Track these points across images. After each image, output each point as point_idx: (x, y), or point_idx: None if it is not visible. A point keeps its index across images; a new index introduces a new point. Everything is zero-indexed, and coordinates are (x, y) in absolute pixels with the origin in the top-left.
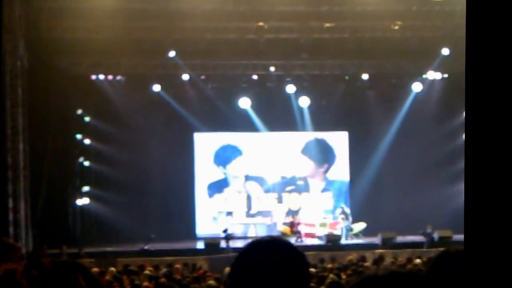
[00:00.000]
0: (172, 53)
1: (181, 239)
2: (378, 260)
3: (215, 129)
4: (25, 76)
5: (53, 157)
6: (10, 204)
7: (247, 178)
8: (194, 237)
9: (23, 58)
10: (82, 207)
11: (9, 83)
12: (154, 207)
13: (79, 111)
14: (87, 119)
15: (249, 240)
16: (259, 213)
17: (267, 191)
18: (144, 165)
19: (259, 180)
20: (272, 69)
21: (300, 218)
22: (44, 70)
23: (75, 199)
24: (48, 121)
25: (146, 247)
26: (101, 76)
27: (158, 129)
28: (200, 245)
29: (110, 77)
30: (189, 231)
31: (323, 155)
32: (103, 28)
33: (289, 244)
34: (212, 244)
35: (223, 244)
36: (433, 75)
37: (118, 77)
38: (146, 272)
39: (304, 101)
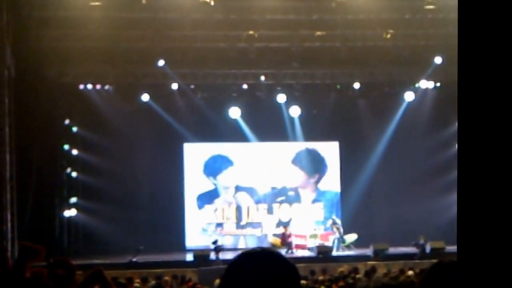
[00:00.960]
0: (161, 62)
1: (170, 251)
2: (370, 271)
3: (205, 139)
4: (12, 85)
5: (40, 167)
6: None
7: (237, 188)
8: (183, 249)
9: (10, 67)
10: (70, 218)
11: None
12: (143, 218)
13: (67, 121)
14: (74, 129)
15: (239, 252)
16: (249, 224)
17: (257, 202)
18: (132, 175)
19: (250, 190)
20: (262, 78)
21: (291, 229)
22: (31, 79)
23: (63, 210)
24: (35, 131)
25: (134, 259)
26: (89, 86)
27: (147, 139)
28: (190, 257)
29: (98, 86)
30: (178, 242)
31: (314, 165)
32: (91, 37)
33: (280, 256)
34: (201, 256)
35: (212, 256)
36: (425, 84)
37: (106, 87)
38: (135, 284)
39: (295, 111)
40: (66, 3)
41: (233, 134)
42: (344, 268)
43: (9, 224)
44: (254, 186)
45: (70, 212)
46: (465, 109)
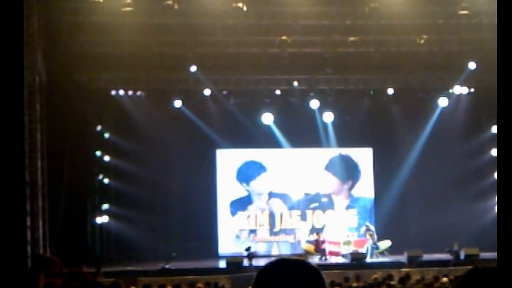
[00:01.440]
0: (193, 68)
1: (202, 258)
2: (404, 278)
3: (238, 145)
4: (44, 92)
5: (71, 174)
6: (28, 222)
7: (271, 195)
8: (216, 256)
9: (42, 73)
10: (102, 225)
11: (27, 98)
12: (175, 225)
13: (99, 127)
14: (106, 135)
15: (272, 259)
16: (283, 231)
17: (290, 208)
18: (165, 182)
19: (283, 197)
20: (295, 84)
21: (324, 236)
22: (63, 85)
23: (95, 217)
24: (67, 138)
25: (167, 266)
26: (121, 91)
27: (180, 145)
28: (222, 263)
29: (130, 92)
30: (211, 249)
31: (348, 171)
32: (123, 42)
33: (309, 265)
34: (234, 262)
35: (246, 262)
36: (459, 89)
37: (139, 92)
38: None
39: (328, 117)
40: (97, 9)
41: (266, 140)
42: (378, 274)
43: (41, 231)
44: (287, 193)
45: (102, 219)
46: (505, 113)
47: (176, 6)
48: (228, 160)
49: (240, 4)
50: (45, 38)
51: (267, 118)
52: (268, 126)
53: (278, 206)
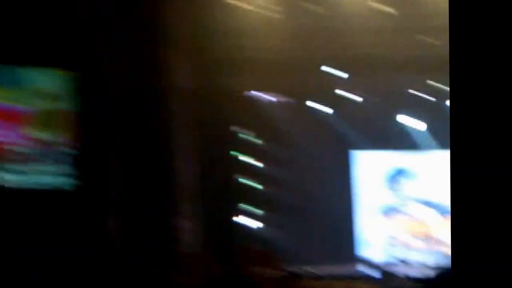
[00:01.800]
0: (331, 70)
1: (347, 264)
2: None
3: (382, 148)
4: (192, 95)
5: (214, 176)
6: (177, 223)
7: (420, 201)
8: (362, 263)
9: (188, 77)
10: (243, 227)
11: (175, 102)
12: (315, 228)
13: (240, 130)
14: (246, 137)
15: (425, 268)
16: (434, 239)
17: (442, 215)
18: (304, 184)
19: (433, 204)
20: (437, 84)
21: None
22: (210, 89)
23: (236, 219)
24: (211, 140)
25: (309, 270)
26: (261, 94)
27: (316, 147)
28: (370, 271)
29: (269, 95)
30: (354, 255)
31: None
32: (263, 46)
33: None
34: (383, 271)
35: (395, 270)
36: None
37: (278, 95)
38: None
39: None
40: (240, 14)
41: (414, 142)
42: None
43: (188, 233)
44: (437, 199)
45: (243, 221)
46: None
47: (315, 9)
48: (372, 163)
49: (381, 6)
50: (193, 43)
51: (410, 120)
52: (411, 128)
53: (428, 213)
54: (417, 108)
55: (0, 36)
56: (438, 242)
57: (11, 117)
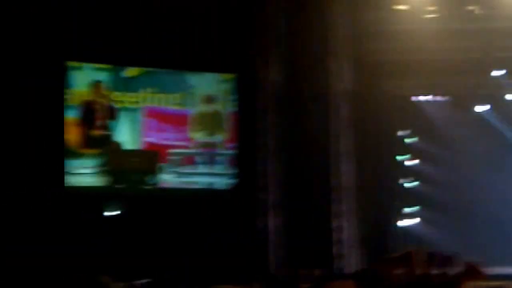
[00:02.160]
0: (495, 72)
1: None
2: None
3: None
4: (349, 98)
5: (374, 178)
6: (335, 223)
7: None
8: None
9: (347, 80)
10: (403, 228)
11: (333, 105)
12: (478, 229)
13: (400, 133)
14: (408, 140)
15: None
16: None
17: None
18: (468, 186)
19: None
20: None
21: None
22: (367, 92)
23: (397, 220)
24: (370, 143)
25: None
26: (422, 97)
27: (480, 150)
28: None
29: (431, 97)
30: None
31: None
32: (424, 49)
33: None
34: None
35: None
36: None
37: (440, 98)
38: None
39: None
40: (401, 17)
41: None
42: None
43: (346, 232)
44: None
45: (404, 223)
46: None
47: (477, 11)
48: None
49: None
50: (351, 46)
51: None
52: None
53: None
54: None
55: (166, 43)
56: None
57: (177, 121)
